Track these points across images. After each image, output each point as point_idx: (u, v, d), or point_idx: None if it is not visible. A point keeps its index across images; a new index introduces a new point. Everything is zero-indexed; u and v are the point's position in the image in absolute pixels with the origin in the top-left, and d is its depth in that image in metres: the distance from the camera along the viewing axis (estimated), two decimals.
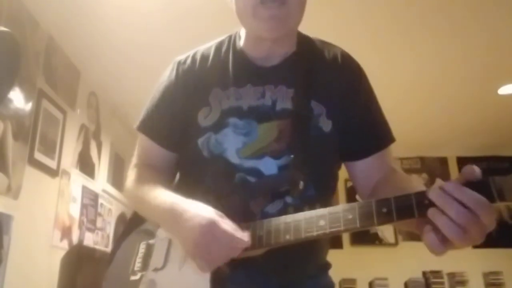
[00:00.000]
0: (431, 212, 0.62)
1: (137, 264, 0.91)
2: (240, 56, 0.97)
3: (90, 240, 2.95)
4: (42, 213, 2.34)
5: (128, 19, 2.43)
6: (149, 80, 3.48)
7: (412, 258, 4.28)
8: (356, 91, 0.95)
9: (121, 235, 1.04)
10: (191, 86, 0.97)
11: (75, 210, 2.74)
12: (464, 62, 2.93)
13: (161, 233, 0.91)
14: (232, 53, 0.98)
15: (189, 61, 1.01)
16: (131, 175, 1.00)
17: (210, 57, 0.99)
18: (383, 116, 0.97)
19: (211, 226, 0.74)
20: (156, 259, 0.88)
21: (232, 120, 0.90)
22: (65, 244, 2.55)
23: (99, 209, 3.16)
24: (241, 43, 0.99)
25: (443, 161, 4.78)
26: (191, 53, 1.03)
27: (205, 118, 0.93)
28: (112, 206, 3.47)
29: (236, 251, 0.74)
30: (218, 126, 0.91)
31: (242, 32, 0.99)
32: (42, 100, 2.36)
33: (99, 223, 3.14)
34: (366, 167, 0.93)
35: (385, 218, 0.66)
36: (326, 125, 0.90)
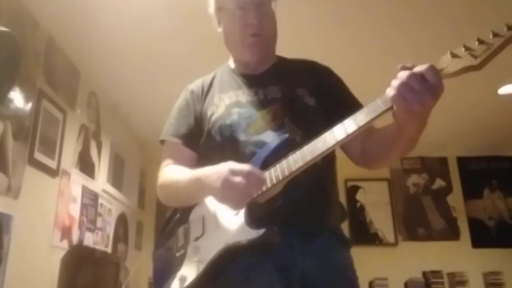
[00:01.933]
0: (388, 89, 0.84)
1: (179, 243, 1.08)
2: (234, 72, 1.26)
3: (90, 240, 2.95)
4: (42, 213, 2.34)
5: (127, 20, 2.44)
6: (149, 80, 3.50)
7: (412, 258, 4.29)
8: (329, 78, 1.23)
9: (159, 235, 1.20)
10: (200, 99, 1.23)
11: (75, 210, 2.74)
12: None
13: (194, 215, 1.09)
14: (226, 72, 1.27)
15: (195, 85, 1.28)
16: (162, 174, 1.19)
17: (211, 79, 1.27)
18: (355, 98, 1.20)
19: (230, 171, 0.94)
20: (195, 232, 1.06)
21: (236, 109, 1.14)
22: (65, 244, 2.55)
23: (99, 209, 3.16)
24: (232, 66, 1.28)
25: (443, 161, 4.78)
26: (196, 81, 1.31)
27: (214, 113, 1.16)
28: (112, 206, 3.47)
29: (257, 184, 0.93)
30: (225, 115, 1.13)
31: (230, 61, 1.30)
32: (42, 100, 2.36)
33: (99, 223, 3.14)
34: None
35: (366, 121, 0.86)
36: (310, 101, 1.14)
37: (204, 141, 1.16)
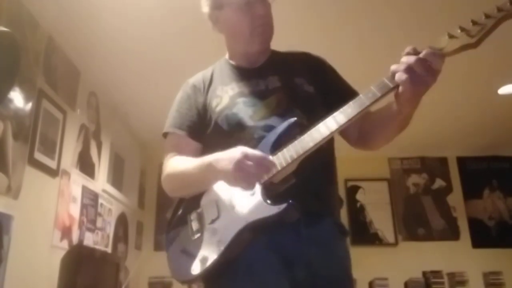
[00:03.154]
0: (397, 74, 0.93)
1: (194, 228, 1.10)
2: (233, 66, 1.29)
3: (90, 240, 2.95)
4: (42, 213, 2.34)
5: (128, 19, 2.44)
6: (149, 80, 3.50)
7: (412, 258, 4.29)
8: (323, 66, 1.29)
9: (168, 224, 1.21)
10: (202, 92, 1.25)
11: (75, 210, 2.74)
12: (464, 62, 2.93)
13: (205, 200, 1.11)
14: (225, 66, 1.30)
15: (195, 79, 1.31)
16: (167, 165, 1.21)
17: (210, 73, 1.30)
18: (350, 85, 1.27)
19: (243, 154, 0.98)
20: (210, 215, 1.08)
21: (240, 99, 1.18)
22: (65, 244, 2.55)
23: (99, 209, 3.16)
24: (230, 61, 1.31)
25: (443, 161, 4.78)
26: (196, 75, 1.32)
27: (218, 104, 1.19)
28: (112, 206, 3.47)
29: (268, 168, 0.98)
30: (231, 105, 1.17)
31: (228, 57, 1.33)
32: (42, 100, 2.36)
33: (99, 223, 3.14)
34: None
35: (373, 99, 0.95)
36: (309, 89, 1.20)
37: (211, 131, 1.19)
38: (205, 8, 1.27)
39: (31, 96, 2.25)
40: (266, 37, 1.24)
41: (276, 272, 1.01)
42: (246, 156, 0.97)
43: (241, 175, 0.97)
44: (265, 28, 1.22)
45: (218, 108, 1.18)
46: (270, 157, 1.00)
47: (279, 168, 1.00)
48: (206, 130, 1.20)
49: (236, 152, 0.99)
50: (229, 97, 1.19)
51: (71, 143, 2.73)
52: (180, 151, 1.21)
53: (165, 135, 1.26)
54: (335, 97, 1.12)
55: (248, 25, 1.20)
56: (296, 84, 1.20)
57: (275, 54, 1.31)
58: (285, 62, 1.27)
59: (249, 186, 0.99)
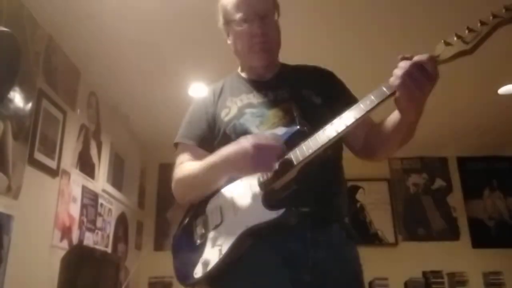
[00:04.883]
0: (391, 79, 0.95)
1: (199, 233, 1.14)
2: (243, 78, 1.35)
3: (90, 240, 2.95)
4: (42, 213, 2.34)
5: (128, 19, 2.44)
6: (149, 80, 3.50)
7: (412, 258, 4.28)
8: (332, 79, 1.33)
9: (176, 229, 1.24)
10: (212, 103, 1.30)
11: (75, 210, 2.74)
12: (464, 63, 2.93)
13: (210, 207, 1.15)
14: (236, 79, 1.36)
15: (206, 91, 1.35)
16: (179, 170, 1.24)
17: (221, 85, 1.35)
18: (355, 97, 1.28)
19: (254, 140, 1.02)
20: (214, 221, 1.11)
21: (248, 110, 1.22)
22: (65, 244, 2.56)
23: (99, 209, 3.16)
24: (241, 74, 1.37)
25: (443, 161, 4.78)
26: (207, 89, 1.37)
27: (227, 115, 1.23)
28: (112, 206, 3.48)
29: (279, 148, 1.01)
30: (239, 115, 1.21)
31: (239, 70, 1.39)
32: (42, 100, 2.36)
33: (99, 223, 3.14)
34: (352, 129, 1.11)
35: (371, 106, 0.97)
36: (317, 100, 1.23)
37: (219, 140, 1.22)
38: (219, 23, 1.32)
39: (31, 96, 2.25)
40: (264, 55, 1.27)
41: (279, 275, 1.02)
42: (258, 147, 1.00)
43: (261, 157, 1.00)
44: (263, 46, 1.25)
45: (227, 118, 1.22)
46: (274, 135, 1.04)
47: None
48: (215, 140, 1.23)
49: (245, 140, 1.03)
50: (237, 108, 1.23)
51: (71, 143, 2.73)
52: (190, 160, 1.24)
53: (176, 145, 1.30)
54: (342, 110, 1.13)
55: (247, 43, 1.25)
56: (303, 96, 1.22)
57: (285, 68, 1.35)
58: (294, 75, 1.31)
59: (269, 167, 1.02)
